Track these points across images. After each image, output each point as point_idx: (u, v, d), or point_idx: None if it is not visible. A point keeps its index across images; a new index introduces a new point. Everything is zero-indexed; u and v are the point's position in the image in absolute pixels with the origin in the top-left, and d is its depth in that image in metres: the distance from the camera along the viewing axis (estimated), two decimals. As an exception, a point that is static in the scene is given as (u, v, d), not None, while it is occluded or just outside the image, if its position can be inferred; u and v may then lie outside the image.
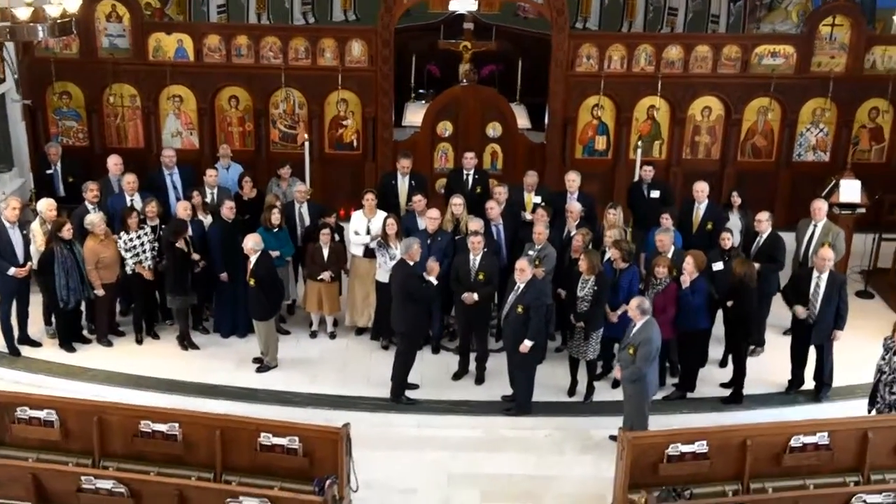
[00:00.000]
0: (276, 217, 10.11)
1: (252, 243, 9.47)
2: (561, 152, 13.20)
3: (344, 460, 7.33)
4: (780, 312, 9.79)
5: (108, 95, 12.97)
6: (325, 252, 10.18)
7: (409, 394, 9.40)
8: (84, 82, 12.93)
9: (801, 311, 9.17)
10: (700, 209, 10.63)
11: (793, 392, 9.59)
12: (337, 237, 10.37)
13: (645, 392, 8.29)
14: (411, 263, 9.13)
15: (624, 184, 12.73)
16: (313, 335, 10.64)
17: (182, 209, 10.14)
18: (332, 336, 10.60)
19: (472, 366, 9.78)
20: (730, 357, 9.63)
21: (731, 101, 13.02)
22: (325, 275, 10.17)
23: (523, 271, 8.84)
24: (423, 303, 9.23)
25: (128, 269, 10.01)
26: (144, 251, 10.04)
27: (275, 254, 9.92)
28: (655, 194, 11.22)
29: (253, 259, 9.48)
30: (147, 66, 12.86)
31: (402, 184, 11.16)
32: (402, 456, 8.59)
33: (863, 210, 11.44)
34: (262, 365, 9.89)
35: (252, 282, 9.48)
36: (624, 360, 8.33)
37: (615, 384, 9.45)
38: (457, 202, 10.27)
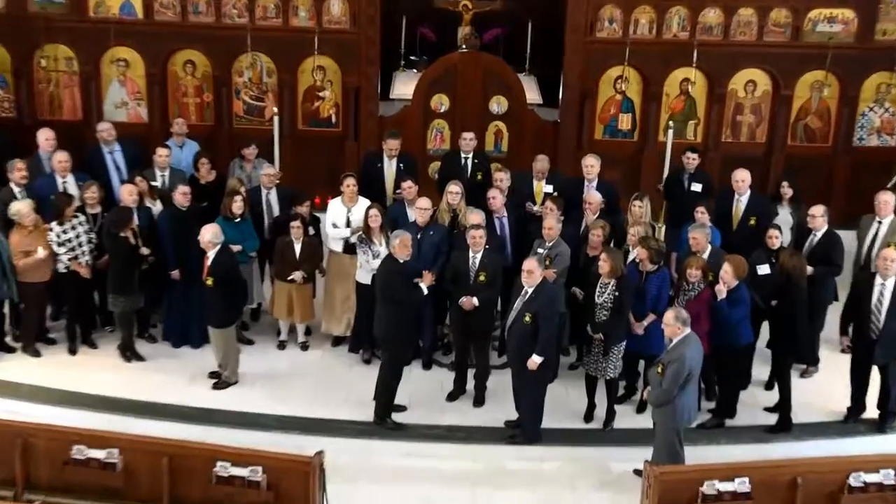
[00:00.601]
0: (238, 205, 10.13)
1: (210, 235, 9.43)
2: (577, 133, 13.26)
3: (316, 495, 7.30)
4: (837, 325, 9.73)
5: (39, 58, 13.00)
6: (297, 248, 10.18)
7: (396, 417, 9.37)
8: (11, 42, 12.95)
9: (844, 340, 9.58)
10: (741, 202, 10.67)
11: (852, 421, 9.55)
12: (311, 230, 10.37)
13: (676, 419, 8.20)
14: (400, 260, 9.07)
15: (652, 170, 12.82)
16: (281, 346, 10.66)
17: (127, 194, 10.11)
18: (304, 347, 10.63)
19: (471, 384, 9.76)
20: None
21: (779, 74, 13.07)
22: (297, 275, 10.16)
23: (532, 273, 8.78)
24: (408, 306, 9.16)
25: (61, 267, 9.95)
26: (81, 245, 10.01)
27: (237, 248, 9.94)
28: (697, 187, 11.21)
29: (211, 254, 9.45)
30: (87, 24, 12.89)
31: (389, 167, 11.24)
32: (385, 490, 8.56)
33: (937, 204, 11.43)
34: (220, 381, 9.87)
35: (209, 281, 9.46)
36: (652, 379, 8.26)
37: (641, 408, 9.40)
38: (453, 190, 10.30)
